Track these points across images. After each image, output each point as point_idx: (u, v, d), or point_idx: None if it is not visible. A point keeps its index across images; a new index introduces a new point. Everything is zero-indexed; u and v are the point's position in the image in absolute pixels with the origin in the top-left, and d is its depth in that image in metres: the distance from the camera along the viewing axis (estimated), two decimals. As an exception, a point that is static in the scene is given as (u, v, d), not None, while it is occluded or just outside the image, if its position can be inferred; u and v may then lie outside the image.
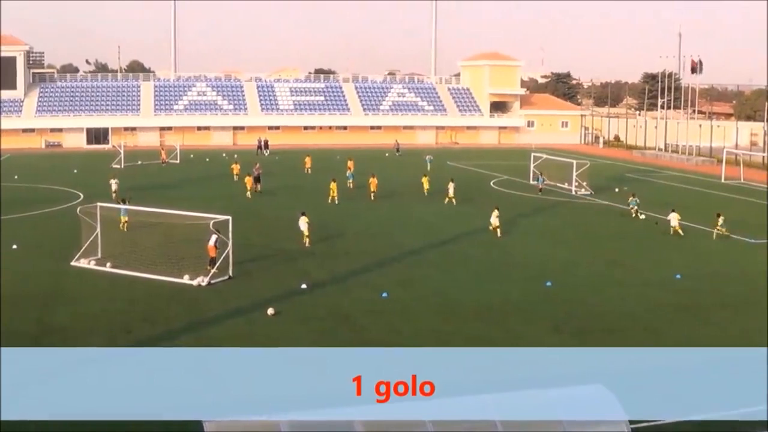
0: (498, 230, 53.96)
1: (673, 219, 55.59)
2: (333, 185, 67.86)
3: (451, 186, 68.71)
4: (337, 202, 66.81)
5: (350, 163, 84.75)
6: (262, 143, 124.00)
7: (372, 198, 69.32)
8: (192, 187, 78.65)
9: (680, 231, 54.89)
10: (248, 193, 71.73)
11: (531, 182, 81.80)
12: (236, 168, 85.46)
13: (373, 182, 71.02)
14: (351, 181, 77.58)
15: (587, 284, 42.44)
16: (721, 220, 54.64)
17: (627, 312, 37.13)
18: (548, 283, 41.46)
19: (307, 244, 50.19)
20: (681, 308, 37.80)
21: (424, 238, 53.38)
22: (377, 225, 58.09)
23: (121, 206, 53.21)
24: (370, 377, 28.05)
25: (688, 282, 42.66)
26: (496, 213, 54.90)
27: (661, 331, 34.42)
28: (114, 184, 67.48)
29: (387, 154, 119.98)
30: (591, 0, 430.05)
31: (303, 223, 50.78)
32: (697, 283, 42.62)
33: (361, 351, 31.23)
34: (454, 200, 67.75)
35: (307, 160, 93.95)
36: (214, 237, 43.21)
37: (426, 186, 73.80)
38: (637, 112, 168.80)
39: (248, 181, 73.59)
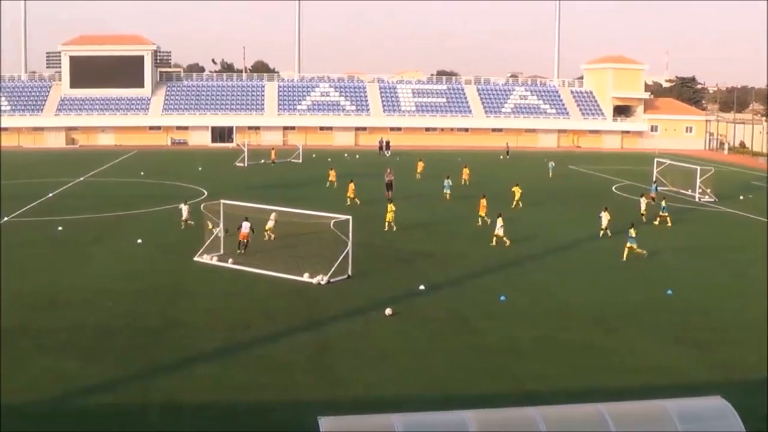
0: (504, 240, 51.38)
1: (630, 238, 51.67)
2: (390, 207, 56.89)
3: (643, 201, 63.69)
4: (394, 229, 56.05)
5: (465, 171, 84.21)
6: (384, 144, 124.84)
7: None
8: (312, 187, 79.19)
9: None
10: (355, 201, 66.57)
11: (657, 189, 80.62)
12: (332, 174, 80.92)
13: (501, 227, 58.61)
14: (448, 192, 72.12)
15: (709, 294, 41.55)
16: (633, 232, 48.84)
17: (750, 324, 36.17)
18: (669, 292, 40.75)
19: (271, 238, 50.53)
20: (807, 321, 36.73)
21: (543, 244, 52.97)
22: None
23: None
24: (485, 378, 28.22)
25: (815, 294, 41.40)
26: (500, 222, 51.92)
27: (785, 343, 33.56)
28: (185, 211, 56.31)
29: (502, 157, 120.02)
30: (717, 1, 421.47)
31: (271, 220, 50.68)
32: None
33: (477, 353, 31.27)
34: (644, 217, 61.85)
35: (419, 164, 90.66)
36: (247, 224, 46.86)
37: (516, 197, 68.01)
38: (764, 118, 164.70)
39: (350, 188, 68.02)
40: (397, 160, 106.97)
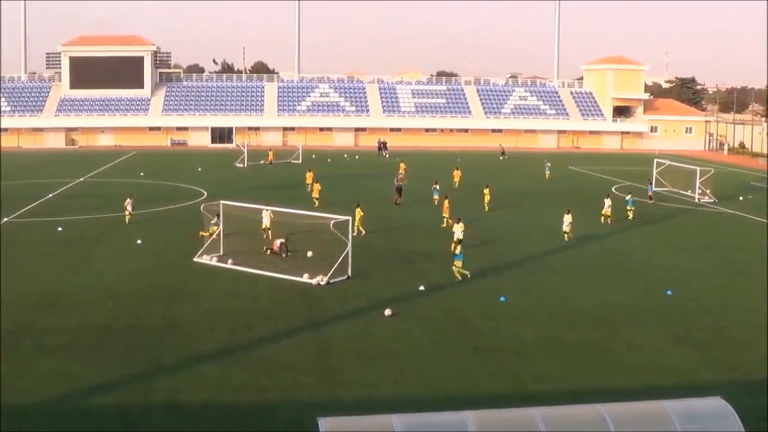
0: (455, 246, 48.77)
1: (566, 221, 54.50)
2: (358, 211, 54.21)
3: (607, 202, 62.77)
4: (362, 232, 53.75)
5: (457, 173, 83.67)
6: (381, 145, 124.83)
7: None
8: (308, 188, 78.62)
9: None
10: (315, 201, 65.35)
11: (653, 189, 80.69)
12: (309, 176, 77.72)
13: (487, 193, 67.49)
14: (436, 197, 68.32)
15: (710, 295, 41.59)
16: (458, 249, 44.34)
17: (751, 324, 36.22)
18: (669, 292, 40.81)
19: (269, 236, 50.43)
20: (807, 321, 36.73)
21: (543, 244, 52.98)
22: (495, 230, 57.78)
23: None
24: (486, 378, 28.28)
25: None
26: (460, 227, 50.04)
27: (785, 344, 33.59)
28: (129, 206, 58.30)
29: (501, 158, 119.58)
30: (717, 2, 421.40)
31: (266, 217, 50.95)
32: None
33: (479, 354, 31.33)
34: (610, 219, 61.59)
35: (401, 166, 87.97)
36: (278, 241, 47.98)
37: (486, 199, 67.36)
38: (763, 118, 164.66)
39: (315, 188, 67.96)
40: (397, 161, 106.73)
